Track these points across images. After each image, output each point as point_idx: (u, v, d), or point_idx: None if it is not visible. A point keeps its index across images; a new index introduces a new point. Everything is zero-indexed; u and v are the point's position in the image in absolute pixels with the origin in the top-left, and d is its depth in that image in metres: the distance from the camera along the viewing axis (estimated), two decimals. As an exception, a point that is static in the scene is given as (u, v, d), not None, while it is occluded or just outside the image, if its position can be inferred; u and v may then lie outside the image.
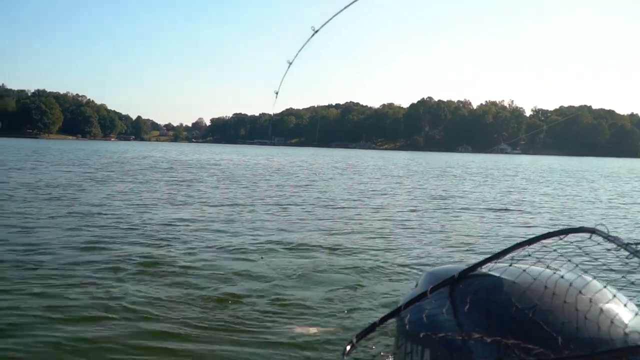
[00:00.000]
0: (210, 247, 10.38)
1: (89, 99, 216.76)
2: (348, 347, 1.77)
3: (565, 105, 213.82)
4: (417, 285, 2.04)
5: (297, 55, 5.57)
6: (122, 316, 6.14)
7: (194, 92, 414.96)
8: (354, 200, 20.60)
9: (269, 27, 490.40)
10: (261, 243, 11.10)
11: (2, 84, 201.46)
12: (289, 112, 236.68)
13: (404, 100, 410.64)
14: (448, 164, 68.76)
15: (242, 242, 11.17)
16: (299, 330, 5.80)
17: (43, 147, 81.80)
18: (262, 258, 9.11)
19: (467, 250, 11.17)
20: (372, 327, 1.88)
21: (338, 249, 10.67)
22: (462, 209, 18.95)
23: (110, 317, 6.11)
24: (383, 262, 9.54)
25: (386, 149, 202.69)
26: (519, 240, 1.88)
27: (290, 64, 5.68)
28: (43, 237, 10.66)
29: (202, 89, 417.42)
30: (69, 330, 5.68)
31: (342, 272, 8.71)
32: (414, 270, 8.90)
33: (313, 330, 5.84)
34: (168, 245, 10.48)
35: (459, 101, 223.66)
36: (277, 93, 5.97)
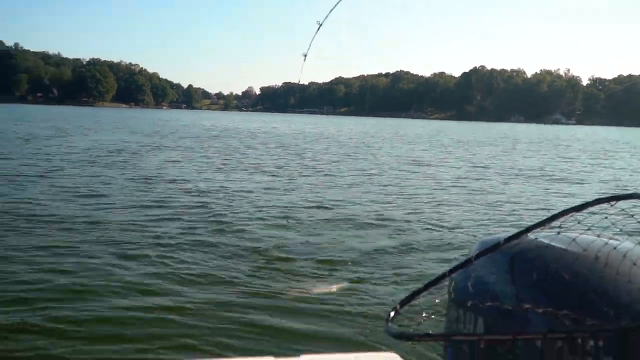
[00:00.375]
0: (260, 211, 10.74)
1: (142, 68, 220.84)
2: (392, 314, 1.72)
3: (625, 74, 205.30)
4: (470, 253, 1.94)
5: (327, 16, 5.47)
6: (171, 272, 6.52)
7: (245, 61, 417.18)
8: (402, 170, 20.65)
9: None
10: (306, 206, 11.44)
11: (58, 53, 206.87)
12: (338, 81, 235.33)
13: (456, 69, 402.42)
14: (499, 134, 67.47)
15: (289, 203, 11.55)
16: (343, 297, 5.87)
17: (98, 114, 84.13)
18: (288, 222, 9.30)
19: (520, 219, 11.13)
20: (415, 294, 1.83)
21: (385, 216, 10.80)
22: (513, 178, 18.76)
23: (164, 272, 6.47)
24: (434, 230, 9.60)
25: (436, 118, 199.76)
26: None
27: (320, 25, 5.59)
28: (106, 198, 11.27)
29: (253, 58, 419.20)
30: (135, 272, 6.09)
31: (391, 239, 8.85)
32: (467, 238, 8.92)
33: (357, 296, 5.90)
34: (219, 206, 10.91)
35: (512, 70, 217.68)
36: (305, 56, 5.90)
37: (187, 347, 4.57)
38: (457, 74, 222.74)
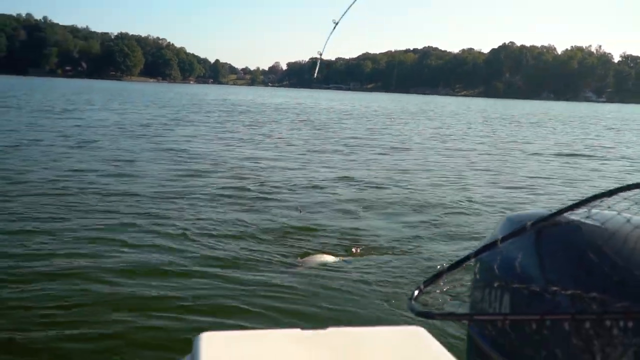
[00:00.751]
0: (284, 182, 11.02)
1: (169, 42, 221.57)
2: (416, 293, 1.71)
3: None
4: (495, 230, 1.96)
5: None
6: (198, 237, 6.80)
7: (272, 36, 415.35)
8: (427, 146, 20.66)
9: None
10: (331, 180, 11.68)
11: (87, 26, 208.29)
12: (365, 57, 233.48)
13: (485, 45, 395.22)
14: (527, 111, 66.61)
15: (314, 177, 11.82)
16: (367, 273, 5.90)
17: (127, 88, 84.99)
18: (299, 211, 8.76)
19: (545, 195, 11.17)
20: (440, 274, 1.82)
21: (410, 190, 10.91)
22: (537, 155, 18.70)
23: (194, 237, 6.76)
24: (459, 205, 9.66)
25: (464, 95, 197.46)
26: (597, 188, 1.86)
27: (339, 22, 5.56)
28: (137, 170, 11.60)
29: (280, 33, 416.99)
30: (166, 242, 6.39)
31: (416, 214, 8.93)
32: (491, 214, 8.98)
33: (381, 273, 5.93)
34: (245, 179, 11.24)
35: (542, 46, 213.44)
36: (336, 23, 5.88)
37: (216, 318, 4.62)
38: (486, 50, 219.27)
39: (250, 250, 6.55)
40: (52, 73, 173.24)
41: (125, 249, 6.29)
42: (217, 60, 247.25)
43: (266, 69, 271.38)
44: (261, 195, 9.72)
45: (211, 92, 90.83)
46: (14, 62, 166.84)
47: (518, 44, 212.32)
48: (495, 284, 1.76)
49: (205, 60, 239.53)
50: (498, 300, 1.74)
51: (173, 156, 14.17)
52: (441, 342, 1.60)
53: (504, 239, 1.78)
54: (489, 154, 18.62)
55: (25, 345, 4.07)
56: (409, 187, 11.36)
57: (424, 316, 1.63)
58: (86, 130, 19.59)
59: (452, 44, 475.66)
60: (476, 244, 1.92)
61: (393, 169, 13.96)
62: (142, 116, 28.94)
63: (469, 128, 33.08)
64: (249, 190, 10.10)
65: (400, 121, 36.99)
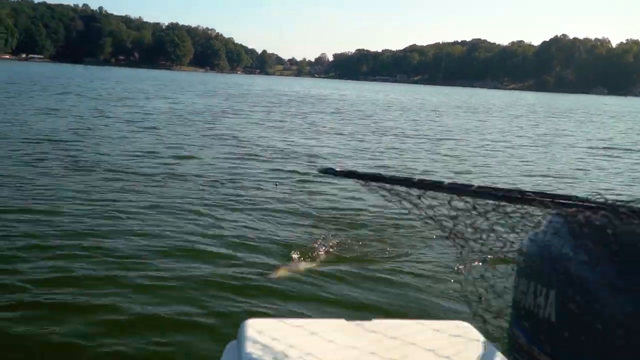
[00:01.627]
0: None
1: (218, 33, 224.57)
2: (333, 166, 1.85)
3: None
4: (542, 226, 1.87)
5: None
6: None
7: (318, 27, 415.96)
8: (469, 138, 21.36)
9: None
10: (372, 168, 12.58)
11: (139, 17, 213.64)
12: (412, 49, 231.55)
13: (535, 37, 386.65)
14: (578, 106, 65.65)
15: (354, 165, 12.77)
16: (408, 266, 5.94)
17: (177, 78, 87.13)
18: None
19: (592, 189, 11.31)
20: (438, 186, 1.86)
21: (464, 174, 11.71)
22: (585, 149, 19.21)
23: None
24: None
25: (513, 88, 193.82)
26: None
27: None
28: (190, 154, 12.87)
29: (326, 24, 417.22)
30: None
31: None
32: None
33: (422, 267, 5.95)
34: (289, 162, 12.39)
35: (596, 39, 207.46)
36: None
37: (262, 303, 4.76)
38: (536, 42, 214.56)
39: (301, 235, 6.81)
40: (106, 62, 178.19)
41: (177, 231, 6.66)
42: (264, 51, 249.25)
43: (312, 60, 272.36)
44: (307, 178, 10.65)
45: (258, 83, 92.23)
46: (70, 51, 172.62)
47: (570, 36, 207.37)
48: (541, 275, 1.73)
49: (252, 51, 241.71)
50: (544, 292, 1.70)
51: (225, 142, 15.49)
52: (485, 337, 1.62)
53: (554, 230, 1.76)
54: (533, 146, 19.19)
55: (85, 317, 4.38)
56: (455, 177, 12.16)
57: (325, 172, 1.87)
58: (145, 117, 21.09)
59: (501, 37, 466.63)
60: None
61: (439, 159, 14.72)
62: (194, 104, 30.57)
63: (512, 121, 33.28)
64: (298, 173, 11.18)
65: (445, 114, 37.48)
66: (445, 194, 1.86)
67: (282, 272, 5.41)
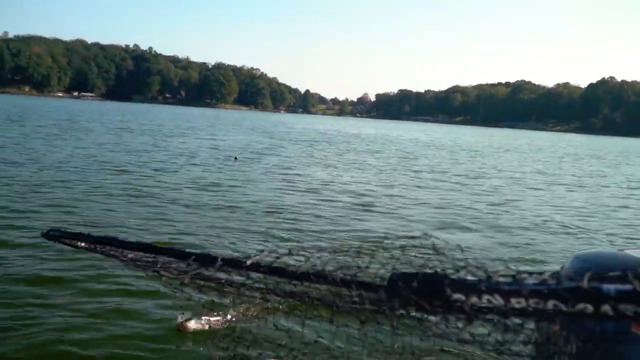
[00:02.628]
0: (358, 200, 12.56)
1: (262, 72, 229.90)
2: None
3: None
4: (562, 268, 1.81)
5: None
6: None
7: (361, 67, 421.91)
8: (506, 178, 21.63)
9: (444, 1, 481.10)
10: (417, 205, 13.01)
11: (187, 57, 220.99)
12: (455, 90, 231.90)
13: (582, 79, 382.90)
14: (627, 149, 64.63)
15: (398, 204, 13.22)
16: None
17: (222, 115, 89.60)
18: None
19: (618, 235, 11.49)
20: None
21: (487, 220, 12.14)
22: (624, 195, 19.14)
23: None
24: (526, 238, 10.25)
25: (558, 130, 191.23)
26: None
27: None
28: (245, 184, 13.51)
29: (369, 64, 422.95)
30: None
31: (492, 242, 10.13)
32: (559, 250, 9.49)
33: None
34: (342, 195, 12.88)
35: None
36: None
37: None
38: (583, 84, 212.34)
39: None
40: (153, 100, 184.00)
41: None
42: (307, 91, 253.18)
43: (355, 99, 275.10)
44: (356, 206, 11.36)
45: (301, 121, 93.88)
46: (119, 89, 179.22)
47: (619, 79, 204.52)
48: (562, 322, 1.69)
49: (295, 90, 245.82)
50: (565, 340, 1.61)
51: (273, 175, 16.25)
52: None
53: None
54: (570, 189, 19.26)
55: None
56: (490, 216, 12.55)
57: (47, 237, 1.41)
58: (192, 152, 22.04)
59: (547, 78, 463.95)
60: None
61: (486, 200, 14.93)
62: (242, 140, 31.71)
63: (553, 164, 33.19)
64: (343, 202, 11.90)
65: (482, 154, 37.57)
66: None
67: None
